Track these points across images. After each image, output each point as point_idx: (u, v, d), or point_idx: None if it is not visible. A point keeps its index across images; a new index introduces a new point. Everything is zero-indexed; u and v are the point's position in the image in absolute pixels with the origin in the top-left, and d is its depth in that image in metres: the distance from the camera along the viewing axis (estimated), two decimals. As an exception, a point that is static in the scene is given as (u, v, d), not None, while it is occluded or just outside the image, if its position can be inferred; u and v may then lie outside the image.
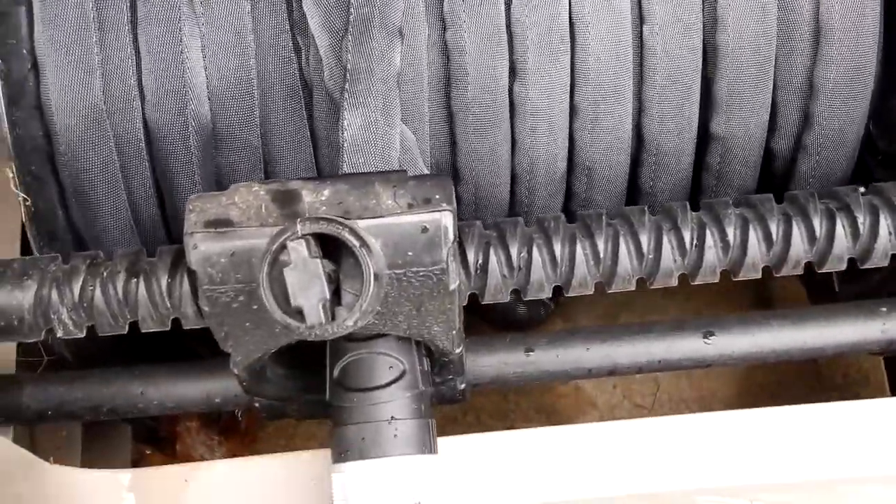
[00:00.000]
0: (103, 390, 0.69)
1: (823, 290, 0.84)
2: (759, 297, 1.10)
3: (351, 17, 0.70)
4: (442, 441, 0.65)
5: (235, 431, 1.08)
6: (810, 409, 0.67)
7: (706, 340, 0.67)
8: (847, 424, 0.67)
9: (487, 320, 0.95)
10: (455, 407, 1.10)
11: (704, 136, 0.79)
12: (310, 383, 0.66)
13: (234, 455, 1.07)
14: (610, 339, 0.68)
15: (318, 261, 0.51)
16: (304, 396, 0.67)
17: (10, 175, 0.72)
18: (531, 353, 0.68)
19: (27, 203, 0.72)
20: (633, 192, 0.82)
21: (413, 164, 0.72)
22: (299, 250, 0.51)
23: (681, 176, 0.80)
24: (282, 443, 1.09)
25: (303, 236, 0.52)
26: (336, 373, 0.61)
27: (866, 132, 0.80)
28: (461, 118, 0.76)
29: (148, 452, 1.02)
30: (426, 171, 0.73)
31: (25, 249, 0.80)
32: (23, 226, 0.76)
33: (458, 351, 0.62)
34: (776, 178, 0.82)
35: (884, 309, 0.67)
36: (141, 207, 0.76)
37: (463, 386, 0.67)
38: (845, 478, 0.67)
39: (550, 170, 0.78)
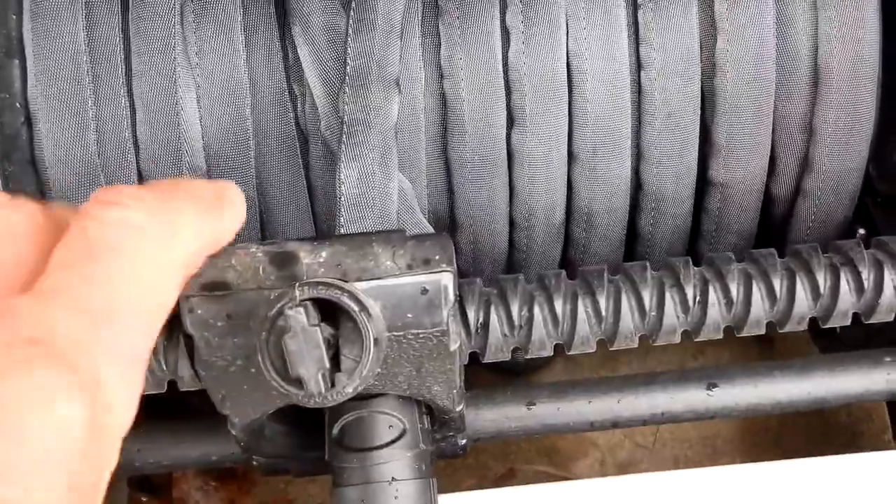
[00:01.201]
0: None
1: (826, 332, 0.84)
2: (762, 337, 1.09)
3: (348, 68, 0.69)
4: (443, 499, 0.64)
5: (232, 477, 1.07)
6: (813, 463, 0.66)
7: (709, 392, 0.66)
8: (852, 477, 0.66)
9: (486, 367, 0.94)
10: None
11: (703, 182, 0.79)
12: (309, 441, 0.65)
13: (231, 501, 1.06)
14: (612, 391, 0.67)
15: (318, 328, 0.50)
16: (304, 454, 0.66)
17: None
18: (532, 407, 0.67)
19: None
20: (632, 238, 0.81)
21: (411, 215, 0.72)
22: (298, 318, 0.50)
23: (680, 221, 0.80)
24: (280, 486, 1.08)
25: (301, 302, 0.51)
26: (335, 432, 0.60)
27: (866, 174, 0.80)
28: (458, 167, 0.76)
29: (144, 500, 1.01)
30: (424, 222, 0.72)
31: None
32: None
33: (459, 409, 0.61)
34: (776, 221, 0.82)
35: (888, 359, 0.66)
36: (136, 262, 0.75)
37: (464, 441, 0.67)
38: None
39: (549, 217, 0.78)
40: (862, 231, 0.84)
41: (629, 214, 0.80)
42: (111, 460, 0.39)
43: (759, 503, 0.64)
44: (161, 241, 0.44)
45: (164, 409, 0.74)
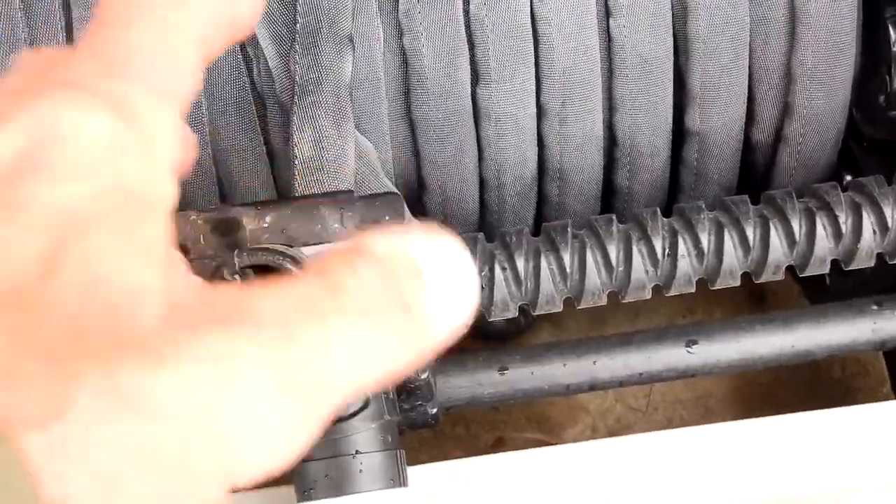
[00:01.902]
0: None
1: (815, 285, 0.81)
2: (753, 294, 1.07)
3: (297, 26, 0.66)
4: (413, 470, 0.62)
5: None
6: (808, 417, 0.63)
7: (689, 350, 0.64)
8: (847, 431, 0.63)
9: (473, 335, 0.92)
10: (444, 418, 1.08)
11: (680, 132, 0.76)
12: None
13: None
14: (588, 353, 0.64)
15: (255, 296, 0.47)
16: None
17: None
18: (505, 372, 0.64)
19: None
20: (609, 194, 0.78)
21: (373, 176, 0.69)
22: (234, 287, 0.47)
23: (657, 174, 0.77)
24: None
25: (241, 269, 0.48)
26: (296, 406, 0.58)
27: (849, 118, 0.77)
28: (423, 126, 0.73)
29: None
30: (388, 184, 0.69)
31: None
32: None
33: (424, 376, 0.58)
34: (758, 170, 0.79)
35: (874, 307, 0.63)
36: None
37: (434, 410, 0.64)
38: (847, 488, 0.64)
39: (520, 175, 0.75)
40: (849, 177, 0.81)
41: (605, 170, 0.77)
42: (162, 183, 0.37)
43: (752, 459, 0.61)
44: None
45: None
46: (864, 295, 0.68)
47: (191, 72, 0.40)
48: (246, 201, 0.74)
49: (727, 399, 1.05)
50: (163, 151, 0.37)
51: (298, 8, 0.66)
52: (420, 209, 0.76)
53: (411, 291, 0.35)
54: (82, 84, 0.36)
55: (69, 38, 0.70)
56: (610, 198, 0.78)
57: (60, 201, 0.33)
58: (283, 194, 0.74)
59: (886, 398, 0.99)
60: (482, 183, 0.76)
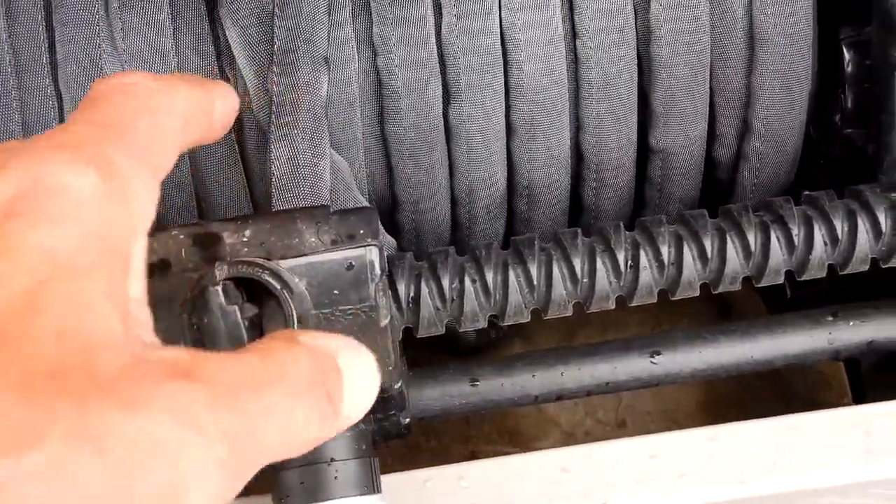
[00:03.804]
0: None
1: (777, 297, 0.83)
2: (719, 305, 1.09)
3: (275, 47, 0.68)
4: (387, 479, 0.64)
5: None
6: (771, 423, 0.66)
7: (652, 360, 0.66)
8: (806, 436, 0.66)
9: (446, 348, 0.94)
10: (417, 432, 1.09)
11: (645, 149, 0.78)
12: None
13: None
14: (555, 363, 0.67)
15: (236, 307, 0.49)
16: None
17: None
18: (476, 384, 0.67)
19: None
20: (576, 209, 0.80)
21: (347, 193, 0.71)
22: (215, 298, 0.49)
23: (623, 191, 0.79)
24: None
25: (221, 282, 0.50)
26: (271, 415, 0.59)
27: (807, 137, 0.79)
28: (396, 144, 0.75)
29: None
30: (362, 200, 0.71)
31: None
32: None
33: (397, 387, 0.60)
34: (720, 186, 0.81)
35: (830, 318, 0.66)
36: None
37: (407, 420, 0.66)
38: (804, 489, 0.66)
39: (490, 192, 0.77)
40: (806, 193, 0.84)
41: (572, 186, 0.79)
42: (136, 239, 0.42)
43: (718, 463, 0.63)
44: (165, 94, 0.48)
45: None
46: (821, 305, 0.70)
47: (171, 152, 0.46)
48: (224, 217, 0.76)
49: (696, 409, 1.08)
50: (140, 210, 0.42)
51: (276, 29, 0.68)
52: (393, 225, 0.78)
53: (334, 384, 0.44)
54: (73, 145, 0.40)
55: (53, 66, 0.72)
56: (577, 213, 0.81)
57: (46, 245, 0.36)
58: (259, 210, 0.76)
59: (844, 397, 1.02)
60: (453, 200, 0.78)
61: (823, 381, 1.07)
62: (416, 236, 0.78)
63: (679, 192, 0.80)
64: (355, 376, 0.46)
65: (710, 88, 0.77)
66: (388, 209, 0.78)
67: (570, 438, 1.08)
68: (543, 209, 0.79)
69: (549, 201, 0.78)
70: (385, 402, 0.63)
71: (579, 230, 0.62)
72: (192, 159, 0.74)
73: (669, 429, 1.09)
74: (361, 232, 0.54)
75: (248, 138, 0.74)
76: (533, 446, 1.09)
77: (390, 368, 0.58)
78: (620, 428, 1.09)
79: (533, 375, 0.67)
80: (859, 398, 0.83)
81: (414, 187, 0.76)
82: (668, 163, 0.78)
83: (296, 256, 0.54)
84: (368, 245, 0.54)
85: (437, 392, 0.67)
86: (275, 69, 0.68)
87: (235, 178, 0.75)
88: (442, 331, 0.61)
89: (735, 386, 1.09)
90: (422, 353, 0.92)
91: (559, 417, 1.10)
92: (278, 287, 0.51)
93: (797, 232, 0.60)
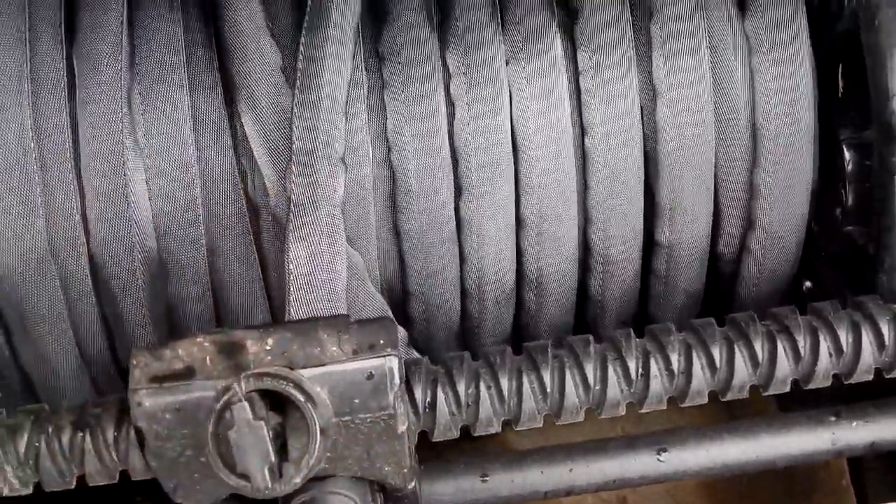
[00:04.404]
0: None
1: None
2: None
3: (294, 147, 0.70)
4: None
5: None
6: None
7: (659, 458, 0.67)
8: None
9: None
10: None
11: (650, 243, 0.80)
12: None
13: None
14: (565, 460, 0.68)
15: (262, 422, 0.51)
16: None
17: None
18: (486, 479, 0.68)
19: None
20: (583, 300, 0.82)
21: (362, 288, 0.73)
22: (243, 413, 0.51)
23: (629, 283, 0.81)
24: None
25: (247, 394, 0.51)
26: (289, 514, 0.60)
27: (808, 232, 0.81)
28: (408, 237, 0.77)
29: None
30: (376, 294, 0.73)
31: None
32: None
33: (411, 486, 0.61)
34: (723, 278, 0.83)
35: (832, 418, 0.67)
36: (89, 344, 0.75)
37: (419, 515, 0.67)
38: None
39: (500, 283, 0.79)
40: (808, 284, 0.86)
41: (579, 277, 0.81)
42: None
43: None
44: None
45: None
46: (824, 401, 0.72)
47: None
48: (237, 305, 0.78)
49: (699, 492, 1.09)
50: None
51: (295, 129, 0.70)
52: (404, 316, 0.79)
53: None
54: None
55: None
56: (583, 303, 0.83)
57: None
58: (272, 300, 0.78)
59: (846, 490, 1.03)
60: (463, 291, 0.79)
61: (827, 475, 1.08)
62: (426, 327, 0.80)
63: (683, 284, 0.82)
64: None
65: (715, 185, 0.79)
66: (400, 300, 0.79)
67: (572, 515, 1.09)
68: (552, 301, 0.81)
69: (558, 293, 0.80)
70: (398, 501, 0.64)
71: (591, 337, 0.63)
72: (210, 252, 0.76)
73: (671, 509, 1.10)
74: (381, 342, 0.56)
75: (264, 228, 0.76)
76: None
77: (405, 471, 0.59)
78: (622, 505, 1.10)
79: (542, 472, 0.68)
80: (862, 497, 0.84)
81: (425, 279, 0.78)
82: (673, 256, 0.80)
83: (318, 366, 0.55)
84: (388, 355, 0.56)
85: (449, 487, 0.69)
86: (293, 168, 0.69)
87: (251, 269, 0.77)
88: (456, 435, 0.63)
89: (741, 477, 1.09)
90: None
91: (564, 499, 1.11)
92: (302, 400, 0.53)
93: (803, 343, 0.61)
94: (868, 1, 0.72)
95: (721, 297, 0.84)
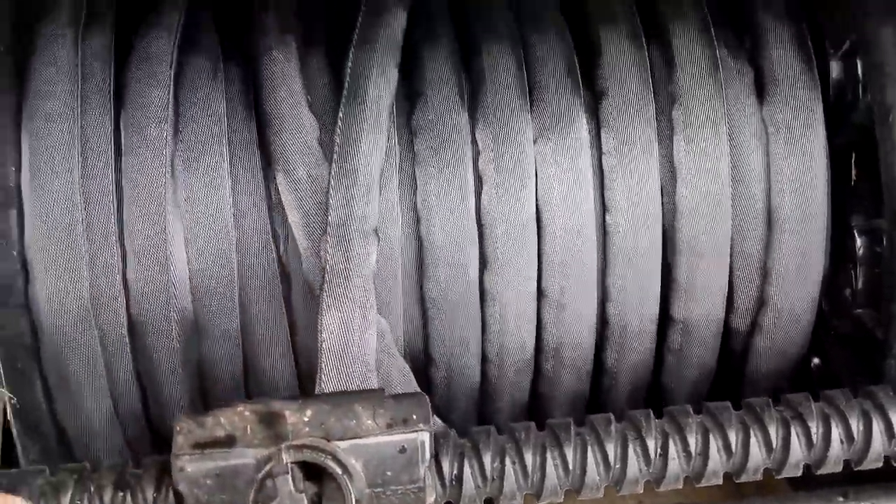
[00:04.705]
0: None
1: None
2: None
3: (330, 218, 0.73)
4: None
5: None
6: None
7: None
8: None
9: None
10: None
11: (665, 318, 0.83)
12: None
13: None
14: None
15: (303, 495, 0.53)
16: None
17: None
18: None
19: (12, 400, 0.74)
20: (598, 370, 0.85)
21: (389, 358, 0.75)
22: (284, 485, 0.53)
23: (644, 355, 0.84)
24: None
25: (287, 465, 0.54)
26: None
27: (819, 310, 0.84)
28: (433, 306, 0.79)
29: None
30: (403, 363, 0.75)
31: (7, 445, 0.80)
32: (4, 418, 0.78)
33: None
34: (735, 354, 0.86)
35: (840, 499, 0.70)
36: (123, 399, 0.78)
37: None
38: None
39: (519, 352, 0.82)
40: (817, 360, 0.89)
41: (595, 348, 0.83)
42: None
43: None
44: None
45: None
46: (833, 481, 0.74)
47: None
48: (267, 368, 0.80)
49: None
50: None
51: (331, 201, 0.73)
52: (426, 381, 0.82)
53: None
54: None
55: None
56: (598, 374, 0.85)
57: None
58: (301, 365, 0.81)
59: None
60: (484, 357, 0.82)
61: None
62: (447, 392, 0.83)
63: (696, 358, 0.84)
64: None
65: (730, 264, 0.82)
66: (423, 366, 0.82)
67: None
68: (568, 370, 0.83)
69: (575, 363, 0.83)
70: None
71: (612, 416, 0.66)
72: (243, 313, 0.78)
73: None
74: (414, 417, 0.59)
75: (294, 293, 0.79)
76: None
77: (430, 539, 0.62)
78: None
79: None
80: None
81: (448, 346, 0.81)
82: (687, 332, 0.83)
83: (353, 438, 0.58)
84: (420, 430, 0.58)
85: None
86: (329, 239, 0.72)
87: (281, 332, 0.79)
88: (481, 507, 0.65)
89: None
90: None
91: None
92: (339, 472, 0.55)
93: (815, 430, 0.64)
94: (883, 97, 0.75)
95: (732, 372, 0.87)
